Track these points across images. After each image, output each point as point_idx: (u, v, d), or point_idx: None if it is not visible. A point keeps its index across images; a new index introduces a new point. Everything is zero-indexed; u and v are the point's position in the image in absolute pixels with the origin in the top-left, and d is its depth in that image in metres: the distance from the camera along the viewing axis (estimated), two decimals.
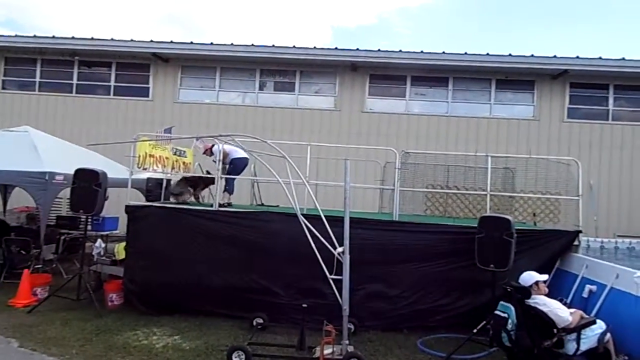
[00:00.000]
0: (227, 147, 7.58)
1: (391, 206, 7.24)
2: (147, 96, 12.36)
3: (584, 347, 4.38)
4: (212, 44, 11.64)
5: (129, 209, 6.63)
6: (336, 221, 5.20)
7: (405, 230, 6.48)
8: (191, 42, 11.72)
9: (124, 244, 6.87)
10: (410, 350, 5.54)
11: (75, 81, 12.62)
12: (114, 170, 7.74)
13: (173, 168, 7.84)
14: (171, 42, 11.73)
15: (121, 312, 6.41)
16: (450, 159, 9.06)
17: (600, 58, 11.05)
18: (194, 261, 6.39)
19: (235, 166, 7.74)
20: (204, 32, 51.16)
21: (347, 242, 4.98)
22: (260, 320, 6.00)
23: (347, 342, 4.88)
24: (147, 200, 7.79)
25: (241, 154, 7.65)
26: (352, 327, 5.78)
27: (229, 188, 7.79)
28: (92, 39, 12.02)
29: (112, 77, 12.54)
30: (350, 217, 5.15)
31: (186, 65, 12.35)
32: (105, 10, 47.01)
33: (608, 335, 4.49)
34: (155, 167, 7.19)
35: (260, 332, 5.86)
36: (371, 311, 6.19)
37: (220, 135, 5.83)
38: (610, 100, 11.70)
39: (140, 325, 5.95)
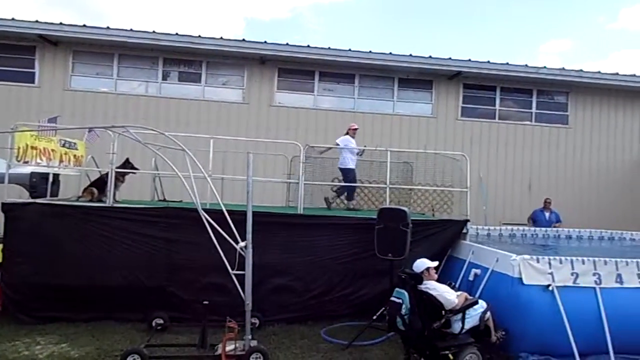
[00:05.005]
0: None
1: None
2: (33, 82, 11.15)
3: (468, 325, 4.77)
4: (108, 28, 10.79)
5: (6, 207, 5.96)
6: (239, 215, 5.12)
7: (309, 223, 6.58)
8: (84, 25, 10.75)
9: (0, 246, 6.15)
10: (314, 341, 5.65)
11: None
12: None
13: (61, 161, 7.16)
14: (60, 24, 10.66)
15: None
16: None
17: (488, 62, 12.09)
18: (85, 262, 5.92)
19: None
20: (102, 17, 47.30)
21: (249, 236, 4.94)
22: (160, 321, 5.74)
23: (250, 337, 4.86)
24: (32, 197, 7.04)
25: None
26: (256, 321, 5.78)
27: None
28: None
29: None
30: (254, 211, 5.11)
31: (79, 50, 11.32)
32: None
33: (488, 313, 4.95)
34: (39, 160, 6.51)
35: (160, 333, 5.61)
36: (276, 305, 6.22)
37: (113, 127, 5.43)
38: (497, 101, 12.87)
39: (20, 335, 5.39)
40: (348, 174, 8.16)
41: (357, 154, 8.37)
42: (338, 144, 8.26)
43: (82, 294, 5.88)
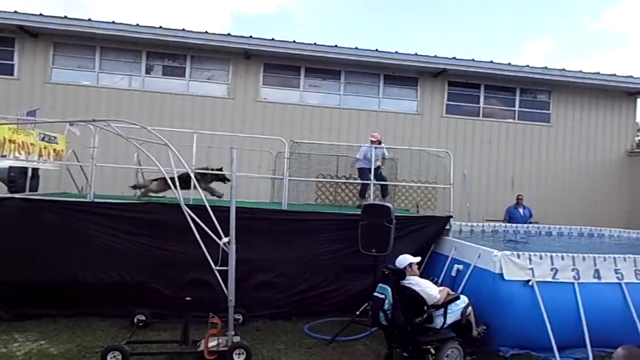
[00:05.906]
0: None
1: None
2: (12, 74, 10.90)
3: (449, 320, 4.82)
4: (90, 20, 10.58)
5: None
6: (223, 211, 5.09)
7: (293, 219, 6.57)
8: (65, 17, 10.52)
9: None
10: (297, 336, 5.65)
11: None
12: None
13: (41, 155, 7.02)
14: (40, 15, 10.43)
15: None
16: (341, 150, 9.40)
17: (473, 60, 12.19)
18: (65, 258, 5.82)
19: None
20: (87, 9, 46.44)
21: (233, 232, 4.91)
22: (142, 317, 5.68)
23: (232, 332, 4.84)
24: (10, 192, 6.90)
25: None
26: (240, 317, 5.76)
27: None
28: None
29: None
30: (237, 207, 5.08)
31: (60, 42, 11.08)
32: None
33: (469, 308, 5.00)
34: (17, 154, 6.38)
35: (142, 330, 5.55)
36: (260, 300, 6.20)
37: (94, 120, 5.34)
38: (481, 99, 12.99)
39: None
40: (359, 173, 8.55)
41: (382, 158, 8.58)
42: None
43: (62, 291, 5.78)
